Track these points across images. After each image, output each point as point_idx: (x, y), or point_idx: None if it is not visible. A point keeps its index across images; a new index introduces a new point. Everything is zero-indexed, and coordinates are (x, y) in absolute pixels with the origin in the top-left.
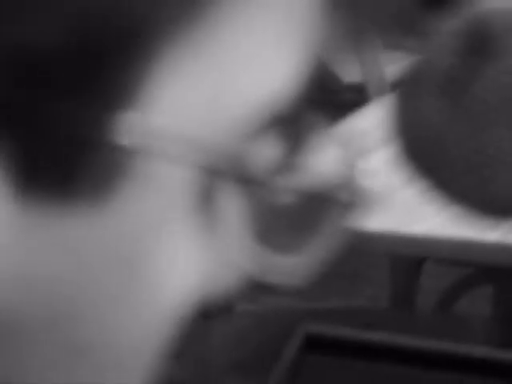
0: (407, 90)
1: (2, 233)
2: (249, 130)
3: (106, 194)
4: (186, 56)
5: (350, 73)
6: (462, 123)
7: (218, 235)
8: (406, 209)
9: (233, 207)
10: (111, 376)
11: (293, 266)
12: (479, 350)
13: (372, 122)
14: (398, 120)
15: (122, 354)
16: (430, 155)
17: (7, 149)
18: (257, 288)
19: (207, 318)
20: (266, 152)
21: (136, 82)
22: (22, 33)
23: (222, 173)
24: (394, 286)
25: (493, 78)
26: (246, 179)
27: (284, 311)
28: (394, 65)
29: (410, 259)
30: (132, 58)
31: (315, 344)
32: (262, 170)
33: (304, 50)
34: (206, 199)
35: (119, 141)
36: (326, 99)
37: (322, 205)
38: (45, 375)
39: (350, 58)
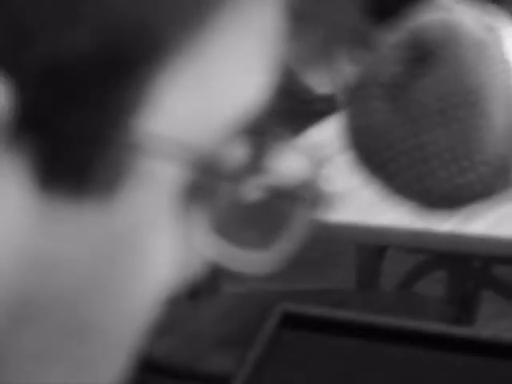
0: (356, 95)
1: (25, 221)
2: (225, 136)
3: (114, 188)
4: (181, 71)
5: (321, 84)
6: (404, 123)
7: (190, 228)
8: (369, 203)
9: (202, 204)
10: (110, 352)
11: (257, 259)
12: (433, 326)
13: (336, 129)
14: (349, 122)
15: (119, 332)
16: (377, 152)
17: (32, 146)
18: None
19: (193, 299)
20: (237, 155)
21: (145, 91)
22: (55, 44)
23: (201, 170)
24: (359, 271)
25: (430, 84)
26: (220, 176)
27: (263, 293)
28: None
29: (373, 247)
30: (145, 70)
31: (291, 321)
32: (234, 169)
33: (273, 66)
34: (186, 195)
35: (126, 141)
36: (298, 109)
37: (285, 202)
38: (53, 351)
39: (321, 70)
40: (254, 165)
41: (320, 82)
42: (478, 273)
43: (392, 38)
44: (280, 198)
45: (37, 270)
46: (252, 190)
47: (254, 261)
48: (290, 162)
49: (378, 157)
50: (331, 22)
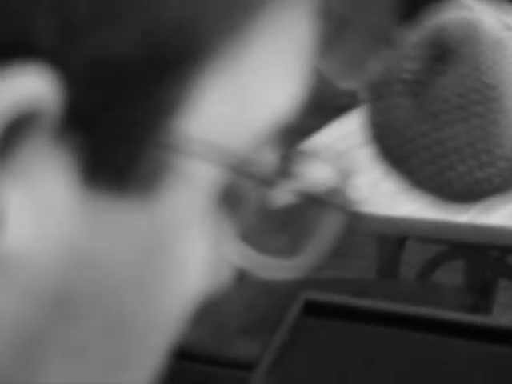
0: (378, 91)
1: (70, 218)
2: (257, 141)
3: (154, 187)
4: (219, 75)
5: (343, 80)
6: (425, 119)
7: (219, 233)
8: (389, 195)
9: (232, 209)
10: (147, 348)
11: (285, 266)
12: (451, 314)
13: (358, 123)
14: (371, 118)
15: (155, 329)
16: (399, 146)
17: (76, 144)
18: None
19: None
20: (269, 160)
21: (184, 93)
22: (102, 42)
23: (235, 173)
24: (380, 260)
25: (451, 81)
26: (252, 179)
27: (286, 281)
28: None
29: (393, 237)
30: (185, 73)
31: (313, 309)
32: (265, 174)
33: (307, 73)
34: (219, 199)
35: (166, 142)
36: (324, 103)
37: (314, 208)
38: (94, 347)
39: (345, 67)
40: (285, 170)
41: (343, 78)
42: (495, 262)
43: (414, 36)
44: (309, 204)
45: (80, 266)
46: (281, 195)
47: (281, 267)
48: (318, 169)
49: (399, 151)
50: (367, 25)
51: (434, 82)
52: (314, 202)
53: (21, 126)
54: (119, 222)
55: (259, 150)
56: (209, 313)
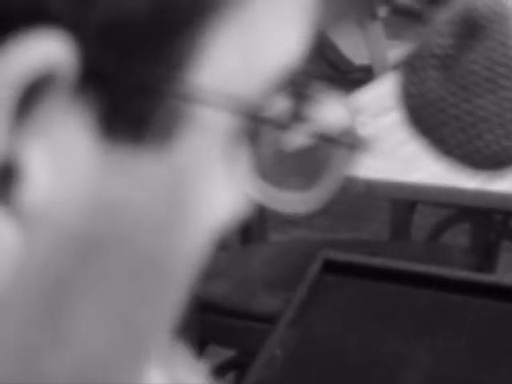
0: (412, 64)
1: (91, 169)
2: (270, 86)
3: (170, 135)
4: (226, 25)
5: (359, 56)
6: (456, 91)
7: (238, 172)
8: (404, 161)
9: (249, 150)
10: (168, 286)
11: (299, 200)
12: (458, 273)
13: (375, 94)
14: (405, 88)
15: (176, 267)
16: (431, 116)
17: (94, 99)
18: (285, 222)
19: (245, 246)
20: (282, 104)
21: (195, 45)
22: (113, 3)
23: (248, 118)
24: (392, 223)
25: (480, 54)
26: (266, 123)
27: (306, 242)
28: (395, 50)
29: (405, 202)
30: (194, 26)
31: (331, 267)
32: (279, 117)
33: (310, 23)
34: (235, 141)
35: (180, 92)
36: (339, 78)
37: (325, 148)
38: (116, 284)
39: (361, 43)
40: (297, 113)
41: (358, 54)
42: (499, 226)
43: (445, 14)
44: (320, 143)
45: (103, 211)
46: (295, 137)
47: (295, 202)
48: (329, 111)
49: (431, 121)
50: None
51: (464, 56)
52: (326, 142)
53: (40, 85)
54: (139, 169)
55: (271, 94)
56: (234, 268)
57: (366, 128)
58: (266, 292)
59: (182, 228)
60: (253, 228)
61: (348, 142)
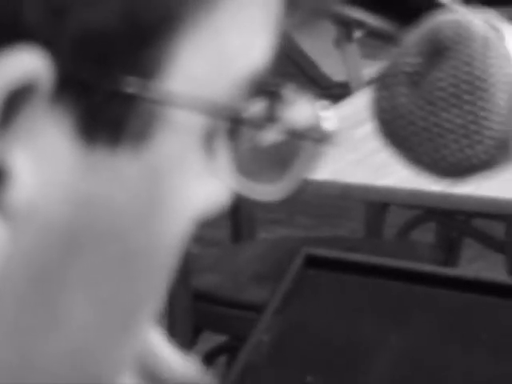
0: (384, 81)
1: (72, 169)
2: (241, 89)
3: (145, 136)
4: (196, 33)
5: (338, 73)
6: (425, 105)
7: (217, 166)
8: (377, 167)
9: (226, 148)
10: (152, 272)
11: (272, 190)
12: (425, 267)
13: (352, 108)
14: (378, 103)
15: (159, 255)
16: (401, 127)
17: (72, 105)
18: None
19: (235, 243)
20: (256, 105)
21: (165, 52)
22: (85, 19)
23: (223, 119)
24: (367, 222)
25: (445, 72)
26: (241, 123)
27: (290, 239)
28: (369, 68)
29: (378, 203)
30: (164, 35)
31: (313, 262)
32: (253, 117)
33: (275, 34)
34: (209, 141)
35: (151, 97)
36: (318, 93)
37: (295, 143)
38: (101, 274)
39: (339, 62)
40: (270, 113)
41: (336, 72)
42: (461, 224)
43: (413, 35)
44: (291, 139)
45: (84, 208)
46: (267, 134)
47: (268, 192)
48: (299, 109)
49: (401, 132)
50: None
51: (432, 74)
52: (296, 138)
53: (21, 95)
54: (116, 168)
55: (242, 97)
56: (225, 263)
57: (343, 137)
58: (253, 284)
59: (162, 220)
60: (242, 227)
61: (315, 136)
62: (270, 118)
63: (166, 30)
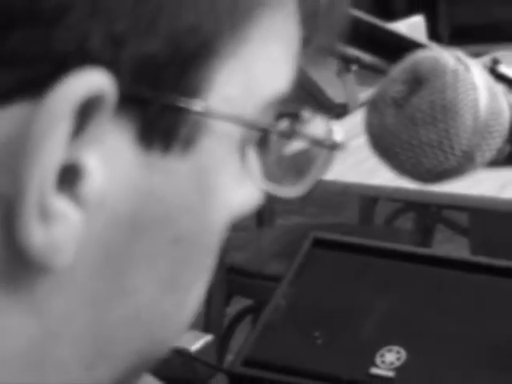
0: (373, 104)
1: (134, 169)
2: (266, 108)
3: (190, 142)
4: (230, 60)
5: (339, 97)
6: (407, 124)
7: (249, 171)
8: (369, 171)
9: (256, 156)
10: (199, 256)
11: (292, 191)
12: (406, 247)
13: (349, 124)
14: (369, 120)
15: (203, 242)
16: (387, 140)
17: (133, 116)
18: (287, 211)
19: (259, 227)
20: (280, 122)
21: (206, 76)
22: (141, 47)
23: (252, 131)
24: (360, 212)
25: (424, 97)
26: (267, 134)
27: (301, 225)
28: (364, 94)
29: (370, 197)
30: (204, 60)
31: (319, 244)
32: (278, 131)
33: (294, 65)
34: (243, 149)
35: (196, 110)
36: (322, 113)
37: (311, 153)
38: (158, 255)
39: (340, 88)
40: (291, 128)
41: (338, 95)
42: (434, 214)
43: (399, 67)
44: (308, 150)
45: (143, 199)
46: (290, 145)
47: (290, 192)
48: (314, 125)
49: (387, 143)
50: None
51: (413, 98)
52: (313, 147)
53: (91, 108)
54: (168, 167)
55: (268, 114)
56: (251, 243)
57: (343, 147)
58: (273, 260)
59: (206, 210)
60: (264, 215)
61: (327, 146)
62: (292, 132)
63: (204, 58)
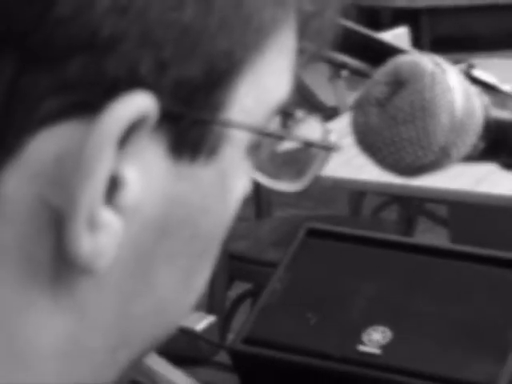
0: (359, 104)
1: (165, 177)
2: (271, 114)
3: (214, 151)
4: (247, 78)
5: (330, 100)
6: (390, 122)
7: (251, 167)
8: (357, 167)
9: (257, 155)
10: (210, 248)
11: (290, 187)
12: (391, 236)
13: (340, 125)
14: (355, 119)
15: (215, 234)
16: (371, 137)
17: (167, 131)
18: (284, 204)
19: (258, 218)
20: (278, 123)
21: (229, 93)
22: (181, 71)
23: (261, 136)
24: (349, 204)
25: (404, 98)
26: (272, 136)
27: (297, 216)
28: (352, 97)
29: (358, 191)
30: (231, 80)
31: (313, 233)
32: (277, 131)
33: (294, 72)
34: (248, 152)
35: (220, 122)
36: (315, 115)
37: (308, 152)
38: (177, 253)
39: (331, 92)
40: (288, 130)
41: (329, 99)
42: (416, 206)
43: (381, 71)
44: (304, 149)
45: (173, 203)
46: (285, 144)
47: (290, 187)
48: (310, 127)
49: (373, 144)
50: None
51: (394, 99)
52: (308, 148)
53: (135, 126)
54: (195, 174)
55: (272, 118)
56: (251, 232)
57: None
58: (271, 248)
59: (223, 209)
60: (263, 207)
61: (322, 146)
62: (291, 136)
63: (231, 77)
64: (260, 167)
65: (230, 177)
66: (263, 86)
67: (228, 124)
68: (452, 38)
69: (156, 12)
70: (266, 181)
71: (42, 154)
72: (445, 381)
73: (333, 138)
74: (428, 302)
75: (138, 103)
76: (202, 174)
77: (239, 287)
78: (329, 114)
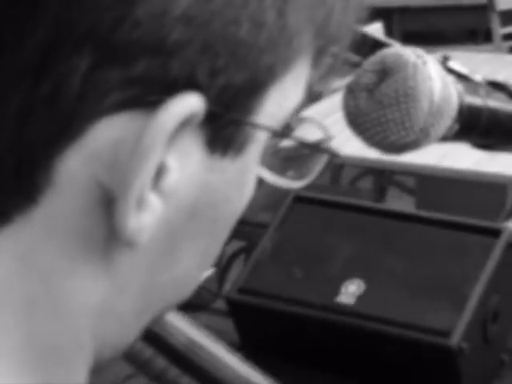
0: (350, 89)
1: (200, 169)
2: (288, 116)
3: (241, 148)
4: (278, 87)
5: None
6: (376, 104)
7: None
8: (341, 142)
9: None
10: (224, 231)
11: (294, 184)
12: (366, 203)
13: (324, 107)
14: (345, 104)
15: (230, 219)
16: (361, 122)
17: (205, 128)
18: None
19: None
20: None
21: (260, 99)
22: (229, 76)
23: (278, 136)
24: (331, 175)
25: (390, 84)
26: (283, 137)
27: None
28: (337, 82)
29: (338, 164)
30: (265, 87)
31: (298, 199)
32: (287, 133)
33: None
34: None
35: (249, 124)
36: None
37: (309, 152)
38: (200, 234)
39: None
40: (291, 130)
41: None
42: (388, 178)
43: (370, 60)
44: (307, 149)
45: (204, 191)
46: (290, 144)
47: (293, 184)
48: (312, 129)
49: (362, 124)
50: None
51: (381, 85)
52: (310, 148)
53: (186, 122)
54: (224, 167)
55: (285, 121)
56: None
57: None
58: (262, 211)
59: (241, 197)
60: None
61: (322, 148)
62: (293, 134)
63: (268, 86)
64: (265, 163)
65: (249, 172)
66: (285, 93)
67: (256, 126)
68: (420, 33)
69: (217, 25)
70: (269, 176)
71: (101, 140)
72: (410, 327)
73: (331, 138)
74: (397, 259)
75: (191, 103)
76: (229, 167)
77: (234, 245)
78: (313, 96)
